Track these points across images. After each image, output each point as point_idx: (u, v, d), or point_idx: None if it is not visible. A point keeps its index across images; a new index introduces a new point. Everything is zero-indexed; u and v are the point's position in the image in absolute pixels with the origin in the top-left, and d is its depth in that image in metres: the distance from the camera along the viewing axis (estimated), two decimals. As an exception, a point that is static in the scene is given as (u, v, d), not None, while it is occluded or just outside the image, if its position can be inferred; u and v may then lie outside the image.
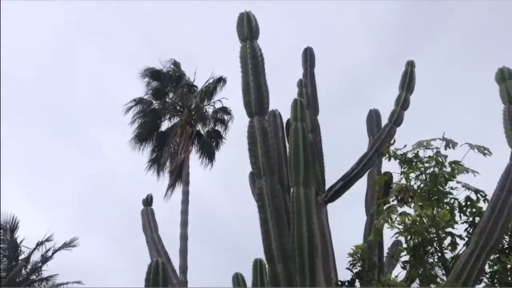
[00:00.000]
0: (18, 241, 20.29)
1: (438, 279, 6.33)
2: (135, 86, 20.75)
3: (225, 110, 20.55)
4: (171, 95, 21.03)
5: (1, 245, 19.90)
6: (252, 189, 8.40)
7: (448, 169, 6.55)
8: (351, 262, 6.79)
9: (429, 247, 6.36)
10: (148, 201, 9.36)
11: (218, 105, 20.60)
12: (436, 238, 6.29)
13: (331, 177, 8.92)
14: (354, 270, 6.79)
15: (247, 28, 7.15)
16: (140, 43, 35.03)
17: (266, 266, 6.83)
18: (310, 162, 7.19)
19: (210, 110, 20.80)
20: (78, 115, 33.79)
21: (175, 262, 12.19)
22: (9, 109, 30.54)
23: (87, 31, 34.73)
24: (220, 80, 20.35)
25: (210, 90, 20.33)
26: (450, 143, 6.68)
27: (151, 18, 34.62)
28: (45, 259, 20.14)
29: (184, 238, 17.38)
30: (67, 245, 20.16)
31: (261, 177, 6.72)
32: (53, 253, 20.20)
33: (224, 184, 25.76)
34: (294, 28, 33.36)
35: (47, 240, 20.17)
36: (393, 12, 32.97)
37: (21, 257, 20.17)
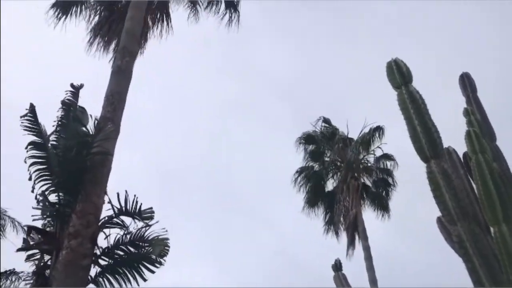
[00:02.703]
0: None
1: None
2: (294, 154, 21.40)
3: (387, 157, 20.03)
4: (328, 153, 21.24)
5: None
6: (444, 235, 7.82)
7: None
8: None
9: None
10: (337, 266, 9.29)
11: (378, 153, 20.23)
12: None
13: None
14: None
15: (399, 74, 7.03)
16: (287, 111, 36.50)
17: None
18: (504, 194, 6.51)
19: (370, 159, 20.48)
20: (247, 192, 35.67)
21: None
22: (189, 197, 33.41)
23: (239, 110, 37.23)
24: (378, 129, 20.05)
25: (368, 140, 20.10)
26: None
27: (289, 87, 36.00)
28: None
29: (376, 296, 16.67)
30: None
31: (455, 223, 6.24)
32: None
33: (403, 231, 24.56)
34: (435, 55, 31.95)
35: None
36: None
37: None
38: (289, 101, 36.30)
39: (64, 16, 12.34)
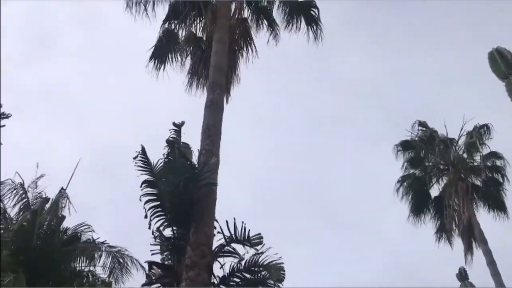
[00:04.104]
0: None
1: None
2: (391, 160, 20.60)
3: (495, 155, 18.68)
4: (429, 157, 20.27)
5: None
6: None
7: None
8: None
9: None
10: (462, 275, 8.76)
11: (485, 150, 18.95)
12: None
13: None
14: None
15: (504, 63, 6.60)
16: (378, 118, 35.55)
17: None
18: None
19: (477, 158, 19.23)
20: (348, 205, 34.89)
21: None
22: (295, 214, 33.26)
23: (329, 123, 36.69)
24: (482, 127, 18.84)
25: (472, 138, 18.93)
26: None
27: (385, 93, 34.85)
28: None
29: (506, 303, 15.35)
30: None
31: None
32: None
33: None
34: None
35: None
36: None
37: None
38: (378, 107, 35.29)
39: (163, 65, 13.14)
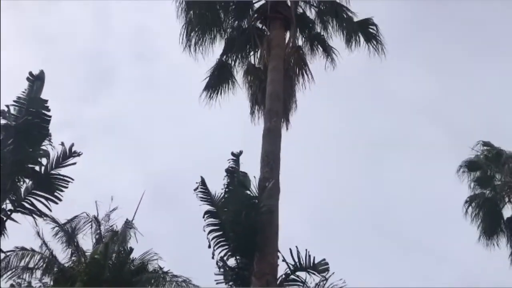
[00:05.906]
0: None
1: None
2: (453, 180, 19.68)
3: None
4: (498, 176, 19.25)
5: None
6: None
7: None
8: None
9: None
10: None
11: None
12: None
13: None
14: None
15: None
16: (438, 137, 34.36)
17: None
18: None
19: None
20: (411, 227, 33.49)
21: None
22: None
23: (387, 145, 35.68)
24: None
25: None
26: None
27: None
28: None
29: None
30: None
31: None
32: None
33: None
34: None
35: None
36: None
37: None
38: (437, 126, 33.94)
39: (217, 95, 13.34)
